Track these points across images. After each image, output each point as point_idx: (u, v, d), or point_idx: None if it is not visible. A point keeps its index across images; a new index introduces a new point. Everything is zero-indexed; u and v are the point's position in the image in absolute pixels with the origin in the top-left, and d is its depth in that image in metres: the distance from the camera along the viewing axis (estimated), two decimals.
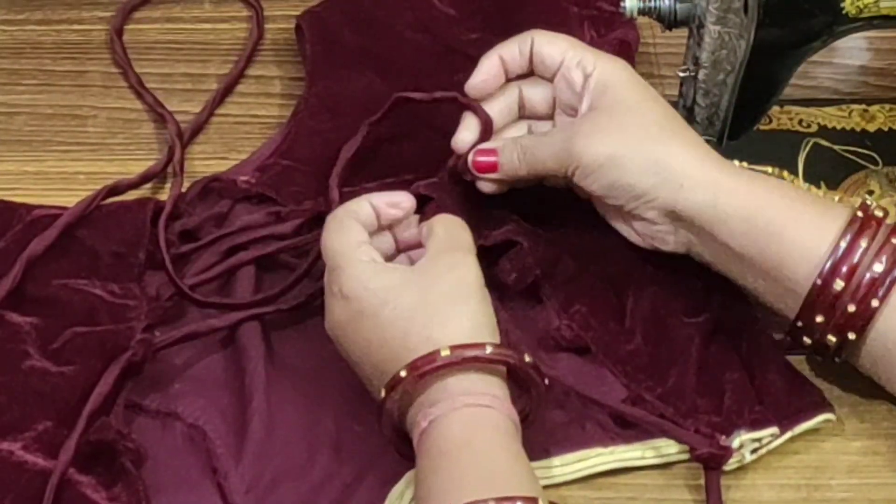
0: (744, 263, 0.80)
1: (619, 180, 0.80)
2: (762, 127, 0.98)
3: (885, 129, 0.99)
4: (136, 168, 0.97)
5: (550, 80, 0.86)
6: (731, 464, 0.79)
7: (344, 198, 0.89)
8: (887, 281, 0.76)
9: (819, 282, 0.77)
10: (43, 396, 0.79)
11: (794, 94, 0.99)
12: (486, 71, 0.87)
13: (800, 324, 0.79)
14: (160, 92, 1.03)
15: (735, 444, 0.78)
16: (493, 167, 0.85)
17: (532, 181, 0.86)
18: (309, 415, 0.80)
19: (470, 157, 0.85)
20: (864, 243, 0.76)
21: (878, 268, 0.76)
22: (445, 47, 1.02)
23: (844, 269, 0.76)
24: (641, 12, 0.87)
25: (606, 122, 0.81)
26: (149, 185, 0.95)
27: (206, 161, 0.97)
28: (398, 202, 0.82)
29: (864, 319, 0.77)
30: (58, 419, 0.78)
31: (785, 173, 0.95)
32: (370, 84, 0.99)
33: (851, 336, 0.77)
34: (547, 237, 0.87)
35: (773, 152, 0.97)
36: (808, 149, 0.97)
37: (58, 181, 0.96)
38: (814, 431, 0.81)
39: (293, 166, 0.93)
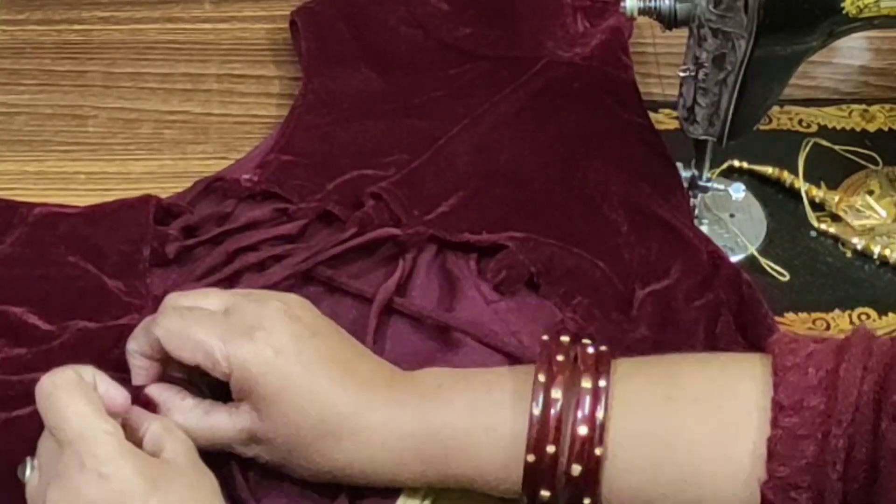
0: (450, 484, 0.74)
1: (305, 470, 0.74)
2: (762, 127, 0.98)
3: (885, 129, 0.99)
4: (137, 168, 0.97)
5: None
6: None
7: (338, 190, 0.90)
8: (595, 438, 0.69)
9: (531, 458, 0.70)
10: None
11: (794, 94, 0.99)
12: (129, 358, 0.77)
13: (526, 500, 0.72)
14: (160, 92, 1.03)
15: None
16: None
17: None
18: None
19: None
20: (557, 394, 0.70)
21: (584, 431, 0.69)
22: (439, 42, 1.02)
23: (549, 435, 0.70)
24: (641, 12, 0.87)
25: (267, 427, 0.73)
26: (150, 185, 0.95)
27: (206, 161, 0.97)
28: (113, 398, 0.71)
29: (594, 475, 0.70)
30: None
31: (785, 173, 0.95)
32: (366, 79, 0.99)
33: (587, 501, 0.71)
34: (539, 237, 0.87)
35: (773, 152, 0.97)
36: (808, 149, 0.97)
37: (58, 181, 0.96)
38: None
39: (293, 160, 0.93)
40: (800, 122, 1.00)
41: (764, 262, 0.91)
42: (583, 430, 0.70)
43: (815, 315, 0.89)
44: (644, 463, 0.70)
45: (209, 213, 0.91)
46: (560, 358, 0.72)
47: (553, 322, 0.84)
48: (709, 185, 0.93)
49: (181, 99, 1.02)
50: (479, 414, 0.72)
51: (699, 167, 0.93)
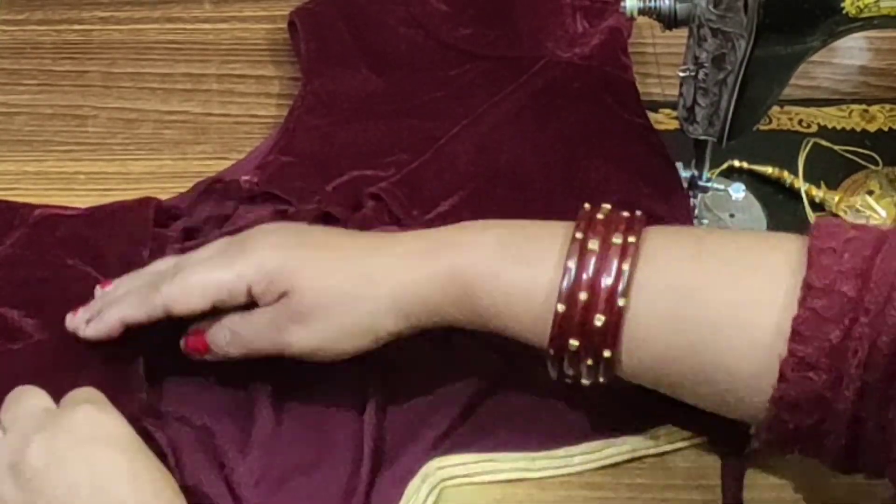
0: (490, 328, 0.76)
1: (344, 349, 0.76)
2: (762, 127, 0.98)
3: (885, 129, 0.99)
4: (137, 168, 0.97)
5: None
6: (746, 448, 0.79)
7: (338, 191, 0.90)
8: (620, 286, 0.71)
9: (562, 307, 0.72)
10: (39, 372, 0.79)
11: (794, 94, 0.99)
12: (106, 332, 0.79)
13: (552, 351, 0.74)
14: (160, 92, 1.03)
15: (752, 429, 0.78)
16: (202, 349, 0.79)
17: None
18: (319, 411, 0.80)
19: (182, 342, 0.79)
20: (594, 245, 0.72)
21: (609, 281, 0.71)
22: (439, 42, 1.03)
23: (582, 284, 0.71)
24: (641, 12, 0.87)
25: (306, 309, 0.75)
26: (150, 186, 0.95)
27: (206, 161, 0.97)
28: None
29: (615, 329, 0.72)
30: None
31: (785, 173, 0.95)
32: (365, 80, 1.00)
33: (607, 354, 0.72)
34: None
35: (773, 152, 0.97)
36: (808, 149, 0.97)
37: (58, 181, 0.96)
38: None
39: (293, 161, 0.94)
40: (800, 122, 1.00)
41: None
42: (608, 281, 0.71)
43: None
44: (665, 315, 0.71)
45: (209, 215, 0.91)
46: (600, 216, 0.74)
47: None
48: (709, 185, 0.93)
49: (181, 99, 1.02)
50: (519, 260, 0.74)
51: (699, 167, 0.93)
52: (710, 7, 0.83)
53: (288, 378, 0.81)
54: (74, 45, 1.07)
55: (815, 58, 0.89)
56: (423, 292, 0.74)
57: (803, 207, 0.94)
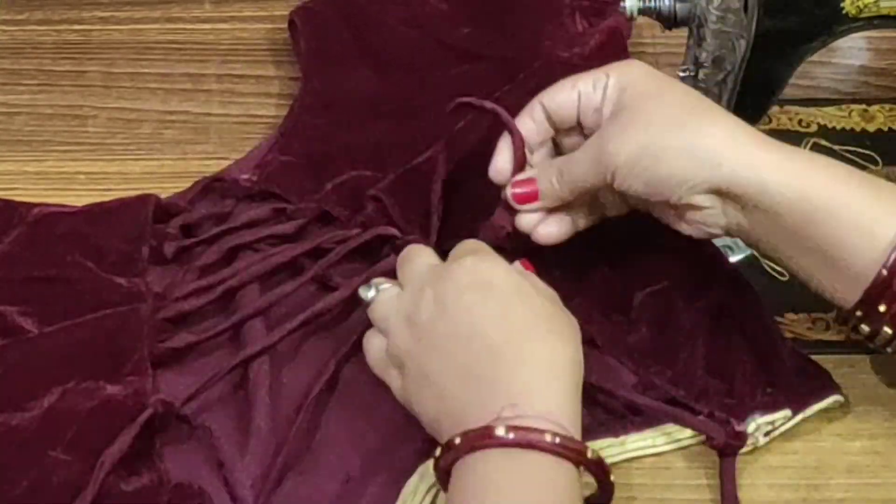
0: (797, 242, 0.76)
1: (656, 172, 0.77)
2: (762, 127, 0.98)
3: (885, 129, 0.99)
4: (136, 168, 0.97)
5: (578, 123, 0.83)
6: (745, 448, 0.79)
7: (336, 190, 0.90)
8: None
9: (885, 273, 0.73)
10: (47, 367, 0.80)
11: (794, 94, 0.99)
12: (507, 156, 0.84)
13: (859, 313, 0.75)
14: (160, 92, 1.03)
15: (750, 428, 0.78)
16: (533, 196, 0.83)
17: (584, 212, 0.84)
18: (316, 411, 0.80)
19: (508, 191, 0.83)
20: None
21: None
22: (438, 42, 1.03)
23: None
24: (641, 12, 0.87)
25: (631, 118, 0.78)
26: (150, 185, 0.95)
27: (205, 161, 0.98)
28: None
29: None
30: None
31: None
32: (364, 79, 1.00)
33: None
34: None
35: None
36: (807, 149, 0.97)
37: (58, 181, 0.97)
38: (813, 432, 0.81)
39: (292, 161, 0.94)
40: (800, 122, 1.00)
41: (764, 262, 0.91)
42: None
43: (814, 315, 0.89)
44: None
45: (208, 213, 0.91)
46: None
47: None
48: None
49: (181, 99, 1.03)
50: (859, 199, 0.75)
51: None
52: (710, 7, 0.83)
53: (285, 378, 0.81)
54: (74, 45, 1.07)
55: (815, 58, 0.89)
56: (750, 156, 0.76)
57: None
